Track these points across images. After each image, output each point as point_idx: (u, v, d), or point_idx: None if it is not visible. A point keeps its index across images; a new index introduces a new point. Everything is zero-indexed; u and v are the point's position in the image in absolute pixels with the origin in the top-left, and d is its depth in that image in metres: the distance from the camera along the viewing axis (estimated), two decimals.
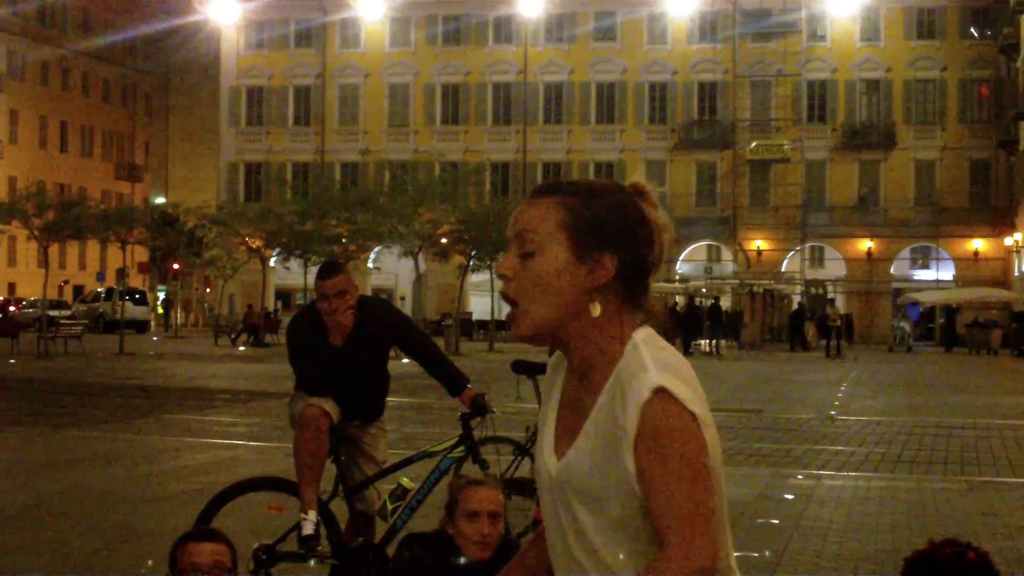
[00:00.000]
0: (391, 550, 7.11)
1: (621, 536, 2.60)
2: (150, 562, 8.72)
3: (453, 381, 8.12)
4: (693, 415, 2.53)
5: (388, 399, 8.22)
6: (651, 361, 2.57)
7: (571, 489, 2.65)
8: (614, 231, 2.64)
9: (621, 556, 2.61)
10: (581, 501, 2.63)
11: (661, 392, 2.52)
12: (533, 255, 2.64)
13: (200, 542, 4.66)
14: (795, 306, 69.71)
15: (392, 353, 8.17)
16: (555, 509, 2.71)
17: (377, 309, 7.97)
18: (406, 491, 7.48)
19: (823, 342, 55.11)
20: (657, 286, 69.19)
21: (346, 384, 7.67)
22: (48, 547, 9.87)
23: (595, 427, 2.63)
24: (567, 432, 2.71)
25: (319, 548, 7.47)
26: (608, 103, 76.39)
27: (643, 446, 2.53)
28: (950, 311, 64.28)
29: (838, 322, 53.13)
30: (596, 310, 2.64)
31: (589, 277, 2.63)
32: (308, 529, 7.40)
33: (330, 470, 7.74)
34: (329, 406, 7.59)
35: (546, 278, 2.63)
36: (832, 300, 58.62)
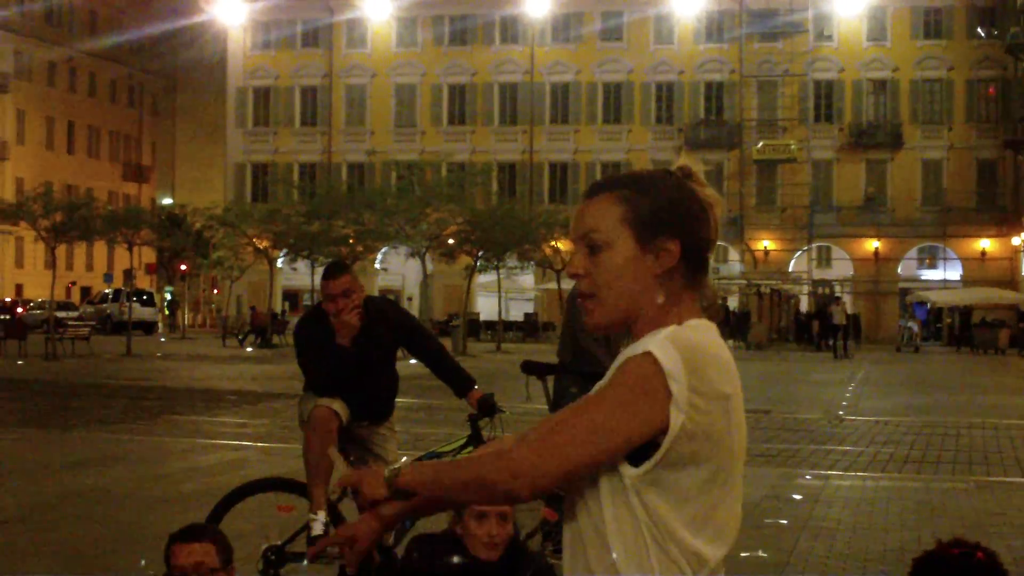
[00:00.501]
0: (400, 550, 7.12)
1: (596, 491, 2.68)
2: (143, 561, 8.75)
3: (459, 382, 8.12)
4: (668, 389, 2.59)
5: (396, 400, 8.22)
6: (668, 333, 2.66)
7: None
8: (674, 217, 2.74)
9: (606, 507, 2.67)
10: None
11: (647, 355, 2.62)
12: (601, 251, 2.76)
13: (185, 543, 4.61)
14: (804, 306, 69.77)
15: (399, 354, 8.17)
16: None
17: (384, 309, 7.98)
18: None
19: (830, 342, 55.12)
20: None
21: (355, 384, 7.67)
22: (56, 548, 9.89)
23: None
24: None
25: (329, 549, 7.47)
26: (615, 103, 76.41)
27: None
28: (964, 311, 64.03)
29: (845, 321, 52.98)
30: (660, 297, 2.75)
31: (656, 264, 2.74)
32: (318, 529, 7.41)
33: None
34: (338, 406, 7.60)
35: (617, 270, 2.74)
36: (839, 299, 58.40)
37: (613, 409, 2.60)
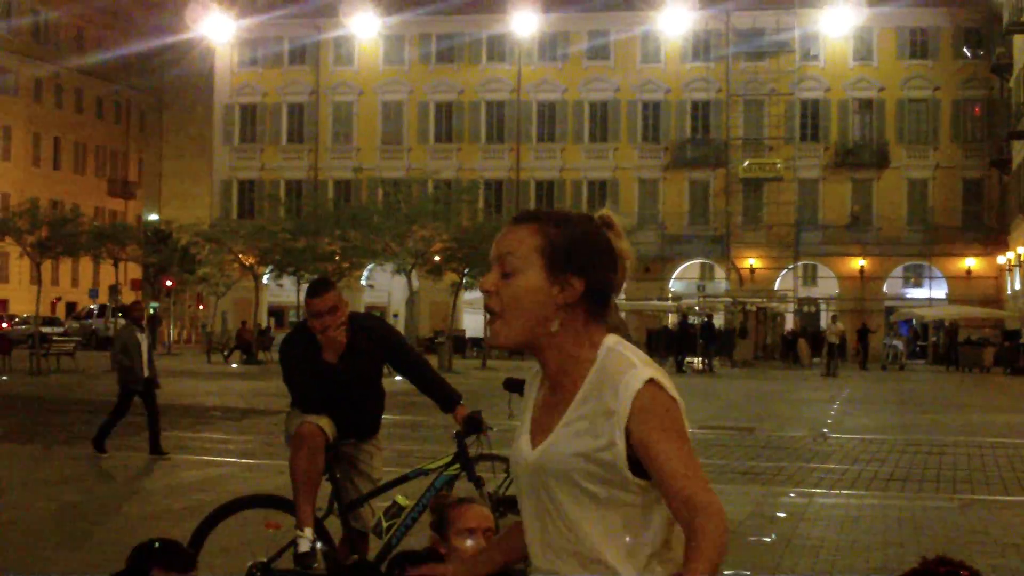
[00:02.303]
0: (384, 567, 7.10)
1: (600, 510, 2.96)
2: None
3: (445, 398, 8.11)
4: (675, 400, 2.96)
5: (383, 417, 8.21)
6: (637, 359, 2.99)
7: (550, 473, 2.99)
8: (583, 257, 3.03)
9: (596, 528, 2.97)
10: (559, 482, 2.98)
11: (652, 382, 2.93)
12: (513, 275, 3.03)
13: (178, 573, 4.52)
14: (789, 324, 69.82)
15: (384, 371, 8.16)
16: (534, 493, 3.06)
17: (369, 325, 7.97)
18: (401, 508, 7.47)
19: (817, 360, 55.09)
20: (651, 304, 69.46)
21: (341, 401, 7.66)
22: (41, 565, 9.85)
23: (578, 417, 2.98)
24: (541, 429, 3.08)
25: (315, 565, 7.46)
26: (601, 121, 76.45)
27: (640, 424, 2.90)
28: (950, 330, 63.85)
29: (838, 341, 52.90)
30: (555, 326, 3.03)
31: (560, 295, 3.01)
32: (304, 547, 7.39)
33: (325, 487, 7.74)
34: (325, 423, 7.59)
35: (523, 296, 3.01)
36: (834, 318, 58.09)
37: (685, 435, 2.94)
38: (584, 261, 3.01)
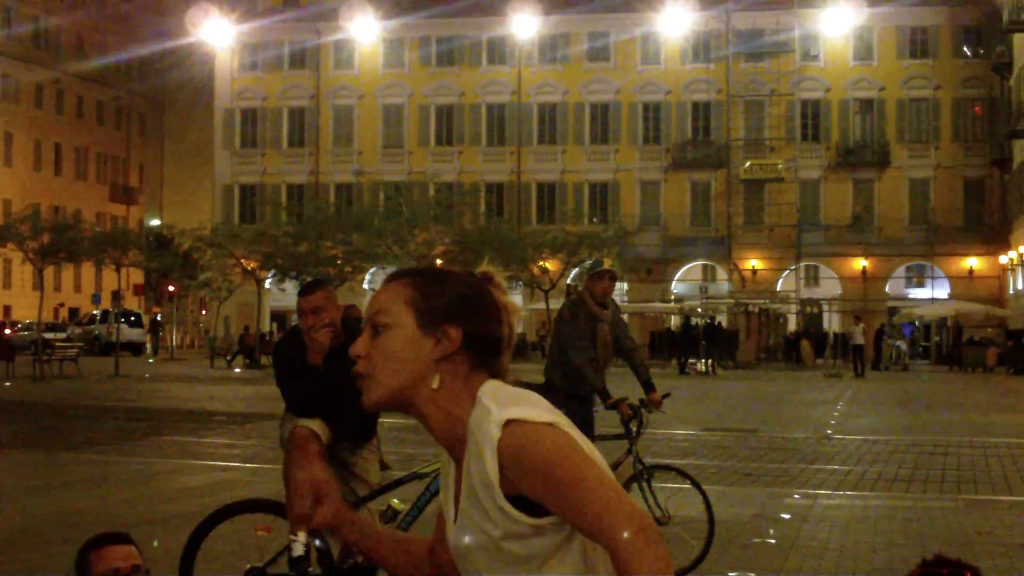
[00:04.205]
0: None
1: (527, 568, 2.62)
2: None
3: None
4: (549, 423, 2.56)
5: (383, 420, 8.17)
6: (493, 403, 2.62)
7: (468, 553, 2.71)
8: (459, 307, 2.74)
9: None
10: (479, 562, 2.69)
11: (509, 423, 2.57)
12: (382, 332, 2.75)
13: (116, 545, 4.59)
14: (792, 325, 69.78)
15: None
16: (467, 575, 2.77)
17: (358, 329, 7.92)
18: (396, 513, 7.43)
19: (820, 361, 54.98)
20: (653, 306, 69.47)
21: (332, 404, 7.62)
22: (43, 571, 9.82)
23: (469, 491, 2.67)
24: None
25: (310, 569, 7.42)
26: (602, 123, 76.49)
27: (524, 484, 2.55)
28: (954, 329, 63.83)
29: (863, 341, 52.69)
30: (435, 382, 2.72)
31: (436, 348, 2.72)
32: (298, 551, 7.33)
33: None
34: (317, 427, 7.54)
35: (394, 351, 2.73)
36: (858, 318, 57.72)
37: (577, 459, 2.54)
38: (461, 310, 2.74)
